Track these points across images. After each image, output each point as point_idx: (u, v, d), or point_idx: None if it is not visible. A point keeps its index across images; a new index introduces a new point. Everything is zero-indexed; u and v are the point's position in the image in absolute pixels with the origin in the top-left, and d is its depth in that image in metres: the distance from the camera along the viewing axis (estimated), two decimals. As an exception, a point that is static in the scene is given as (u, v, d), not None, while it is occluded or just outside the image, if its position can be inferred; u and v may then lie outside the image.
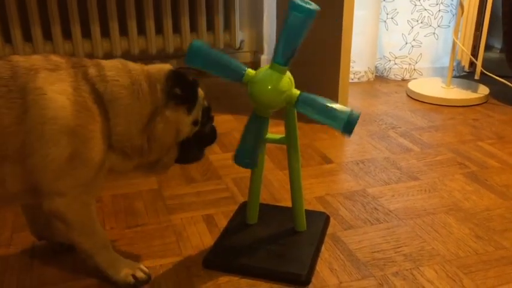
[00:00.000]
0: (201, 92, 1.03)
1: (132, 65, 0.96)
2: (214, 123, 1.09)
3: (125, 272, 0.99)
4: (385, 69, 2.33)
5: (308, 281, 1.01)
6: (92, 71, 0.90)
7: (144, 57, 2.21)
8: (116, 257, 1.00)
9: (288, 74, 0.98)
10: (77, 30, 2.05)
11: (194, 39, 0.98)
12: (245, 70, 0.99)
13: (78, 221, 0.93)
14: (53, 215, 0.92)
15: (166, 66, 0.99)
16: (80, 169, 0.89)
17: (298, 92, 0.98)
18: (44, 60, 0.88)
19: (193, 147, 1.03)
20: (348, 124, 0.94)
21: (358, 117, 0.94)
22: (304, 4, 0.92)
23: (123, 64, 0.95)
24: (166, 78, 0.96)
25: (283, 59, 0.96)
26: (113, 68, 0.93)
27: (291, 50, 0.95)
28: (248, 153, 1.04)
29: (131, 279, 0.99)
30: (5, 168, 0.85)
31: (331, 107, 0.96)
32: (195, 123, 1.01)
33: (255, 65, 2.42)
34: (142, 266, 1.02)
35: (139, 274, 1.00)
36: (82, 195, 0.92)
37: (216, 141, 1.08)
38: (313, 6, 0.92)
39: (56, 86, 0.86)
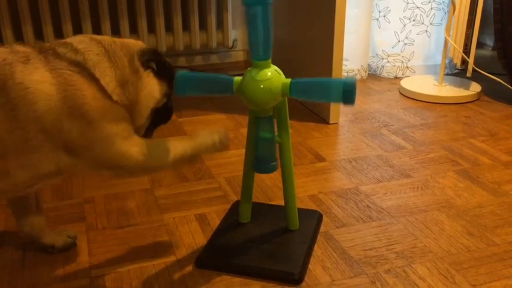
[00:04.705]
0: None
1: (99, 37, 0.97)
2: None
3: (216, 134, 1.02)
4: (377, 67, 2.34)
5: (301, 279, 1.01)
6: (61, 49, 0.91)
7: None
8: (198, 138, 1.00)
9: (273, 66, 0.98)
10: (68, 29, 2.04)
11: (178, 70, 1.00)
12: (233, 79, 0.99)
13: (151, 158, 0.94)
14: (136, 175, 0.98)
15: (141, 43, 1.01)
16: (104, 128, 0.90)
17: (289, 80, 0.98)
18: (13, 53, 0.88)
19: (158, 120, 1.04)
20: (346, 93, 0.92)
21: (354, 82, 0.91)
22: None
23: (89, 37, 0.96)
24: (142, 52, 0.97)
25: (263, 53, 0.95)
26: (81, 42, 0.94)
27: (267, 42, 0.95)
28: (263, 158, 1.04)
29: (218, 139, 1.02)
30: (8, 163, 0.86)
31: (325, 83, 0.96)
32: (167, 95, 1.02)
33: (248, 63, 2.42)
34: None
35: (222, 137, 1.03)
36: (132, 142, 0.93)
37: (170, 120, 1.08)
38: None
39: (34, 75, 0.86)
